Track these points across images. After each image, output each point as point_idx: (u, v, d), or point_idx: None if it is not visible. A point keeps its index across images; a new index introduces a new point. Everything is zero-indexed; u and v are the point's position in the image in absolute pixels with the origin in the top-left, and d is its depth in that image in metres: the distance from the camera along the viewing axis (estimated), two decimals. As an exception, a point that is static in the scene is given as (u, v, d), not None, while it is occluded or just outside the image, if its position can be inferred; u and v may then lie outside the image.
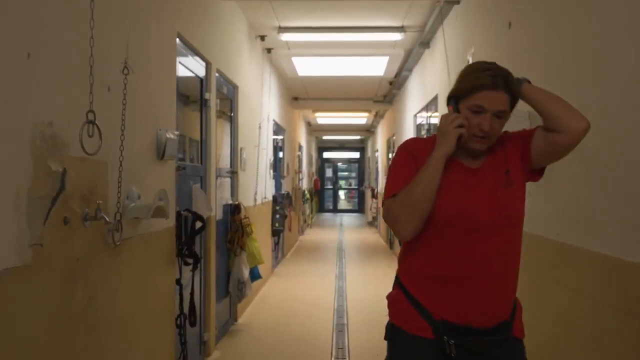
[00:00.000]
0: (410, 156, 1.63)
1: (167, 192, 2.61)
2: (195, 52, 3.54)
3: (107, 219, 2.03)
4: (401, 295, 1.64)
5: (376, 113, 11.62)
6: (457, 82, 1.60)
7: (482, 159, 1.61)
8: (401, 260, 1.69)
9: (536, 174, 1.63)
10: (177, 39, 3.09)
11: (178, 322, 3.06)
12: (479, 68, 1.57)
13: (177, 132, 2.94)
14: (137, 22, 2.42)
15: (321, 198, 19.53)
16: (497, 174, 1.58)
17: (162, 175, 2.80)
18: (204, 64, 3.78)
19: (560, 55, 2.32)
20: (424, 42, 5.47)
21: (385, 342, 1.70)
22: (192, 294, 3.19)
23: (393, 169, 1.67)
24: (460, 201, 1.55)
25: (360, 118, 12.78)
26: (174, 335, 3.04)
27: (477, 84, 1.52)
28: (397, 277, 1.70)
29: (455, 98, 1.58)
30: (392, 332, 1.66)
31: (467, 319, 1.53)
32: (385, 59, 6.72)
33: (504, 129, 1.61)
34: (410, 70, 6.93)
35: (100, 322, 2.09)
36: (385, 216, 1.63)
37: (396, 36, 5.41)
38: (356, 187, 20.71)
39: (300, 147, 11.89)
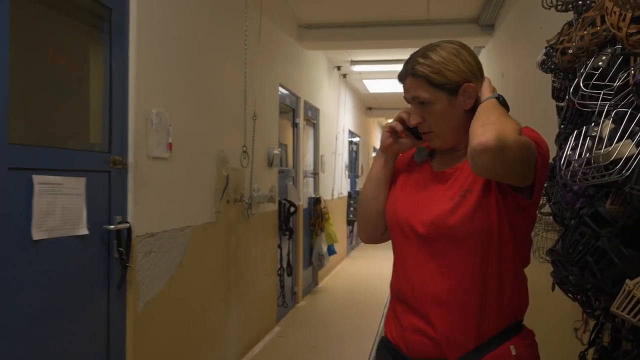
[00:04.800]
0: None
1: (275, 187, 4.23)
2: (289, 91, 5.15)
3: (246, 201, 3.67)
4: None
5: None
6: None
7: (459, 162, 1.32)
8: None
9: (522, 194, 1.25)
10: (279, 87, 4.71)
11: (279, 272, 4.69)
12: None
13: (279, 149, 4.57)
14: (260, 83, 4.03)
15: (397, 196, 20.73)
16: (460, 183, 1.28)
17: (271, 176, 4.42)
18: (295, 98, 5.38)
19: (527, 94, 3.65)
20: (468, 69, 6.78)
21: None
22: (288, 254, 4.81)
23: None
24: (407, 207, 1.34)
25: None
26: (276, 282, 4.66)
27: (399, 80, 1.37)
28: None
29: None
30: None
31: (397, 342, 1.35)
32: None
33: None
34: (464, 88, 8.22)
35: (240, 261, 3.72)
36: None
37: (444, 65, 6.75)
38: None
39: (374, 150, 13.36)
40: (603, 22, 1.36)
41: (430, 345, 1.28)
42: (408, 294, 1.32)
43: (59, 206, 1.89)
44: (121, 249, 2.23)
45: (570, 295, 1.61)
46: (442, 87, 1.27)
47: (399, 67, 1.43)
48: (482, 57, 5.63)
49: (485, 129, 1.11)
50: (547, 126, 2.94)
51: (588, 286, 1.39)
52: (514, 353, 1.24)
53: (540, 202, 2.06)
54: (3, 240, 1.67)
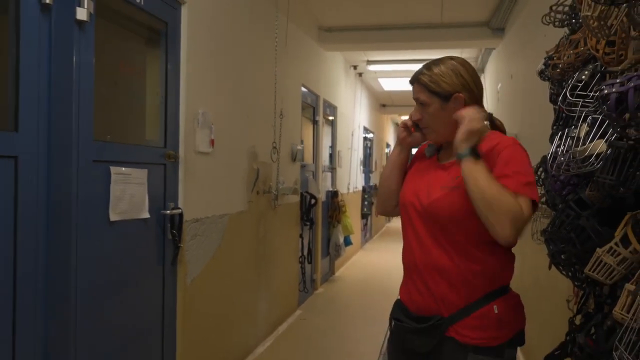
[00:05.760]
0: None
1: (298, 180, 4.57)
2: (310, 90, 5.47)
3: (273, 192, 4.01)
4: None
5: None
6: None
7: (455, 157, 1.52)
8: None
9: None
10: (302, 87, 5.04)
11: (300, 260, 5.03)
12: None
13: (302, 145, 4.90)
14: (286, 84, 4.37)
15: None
16: (453, 174, 1.54)
17: (294, 170, 4.75)
18: (315, 96, 5.71)
19: (532, 93, 3.96)
20: (479, 69, 7.06)
21: None
22: (309, 243, 5.15)
23: None
24: (412, 190, 1.64)
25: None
26: (298, 268, 5.00)
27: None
28: None
29: None
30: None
31: (406, 302, 1.64)
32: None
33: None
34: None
35: (268, 247, 4.06)
36: None
37: (457, 65, 7.05)
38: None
39: (387, 146, 13.65)
40: (586, 42, 1.67)
41: (430, 304, 1.56)
42: (412, 264, 1.63)
43: (128, 193, 2.24)
44: (174, 232, 2.57)
45: (562, 271, 1.93)
46: (436, 93, 1.58)
47: (413, 67, 1.81)
48: (493, 59, 5.91)
49: (498, 219, 1.37)
50: (549, 126, 3.25)
51: (574, 260, 1.70)
52: (496, 312, 1.51)
53: (540, 192, 2.37)
54: (90, 220, 2.02)
